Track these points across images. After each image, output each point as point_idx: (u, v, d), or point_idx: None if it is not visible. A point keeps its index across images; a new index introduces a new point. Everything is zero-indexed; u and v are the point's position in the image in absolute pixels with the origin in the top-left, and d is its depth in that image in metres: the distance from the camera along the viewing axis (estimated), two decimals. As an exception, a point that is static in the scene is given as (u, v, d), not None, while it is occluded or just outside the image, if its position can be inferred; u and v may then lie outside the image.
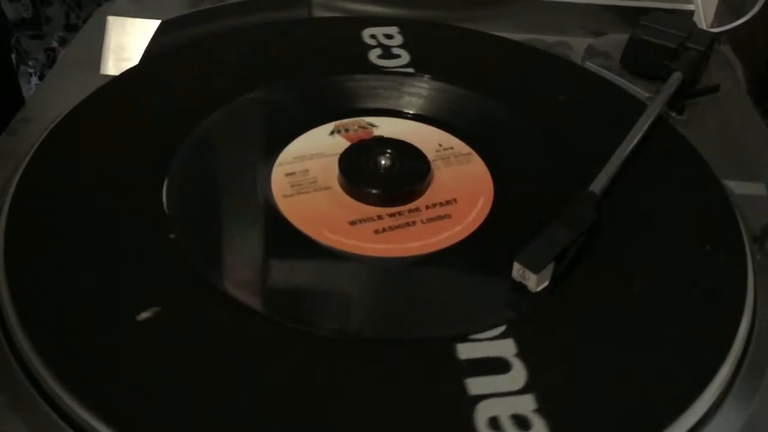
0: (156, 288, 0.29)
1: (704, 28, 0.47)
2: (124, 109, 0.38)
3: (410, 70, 0.41)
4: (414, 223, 0.32)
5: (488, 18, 0.48)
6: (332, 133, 0.37)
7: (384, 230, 0.32)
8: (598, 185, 0.33)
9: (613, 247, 0.32)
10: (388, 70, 0.41)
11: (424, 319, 0.29)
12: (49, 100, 0.41)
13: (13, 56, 0.69)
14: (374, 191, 0.33)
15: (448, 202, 0.33)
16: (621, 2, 0.49)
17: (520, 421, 0.25)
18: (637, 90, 0.42)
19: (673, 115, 0.41)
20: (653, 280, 0.31)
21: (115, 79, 0.40)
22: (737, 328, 0.29)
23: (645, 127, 0.37)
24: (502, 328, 0.28)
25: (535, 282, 0.29)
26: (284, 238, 0.32)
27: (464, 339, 0.27)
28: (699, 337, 0.28)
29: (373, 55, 0.42)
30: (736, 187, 0.36)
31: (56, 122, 0.36)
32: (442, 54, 0.43)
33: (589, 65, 0.44)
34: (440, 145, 0.36)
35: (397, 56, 0.42)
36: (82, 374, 0.26)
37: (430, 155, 0.35)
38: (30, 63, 0.73)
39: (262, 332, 0.28)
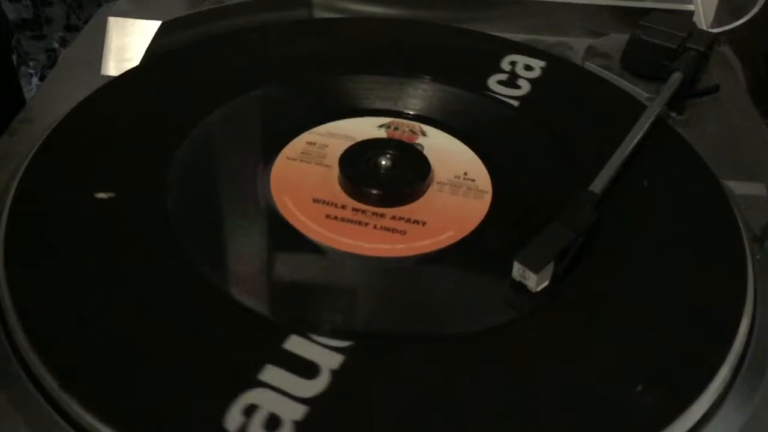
0: (156, 287, 0.29)
1: (704, 28, 0.47)
2: (125, 110, 0.38)
3: (515, 103, 0.40)
4: (367, 224, 0.32)
5: (489, 18, 0.48)
6: (381, 126, 0.38)
7: (335, 218, 0.32)
8: (598, 185, 0.33)
9: (613, 246, 0.32)
10: (497, 96, 0.40)
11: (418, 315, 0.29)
12: (49, 100, 0.41)
13: (14, 57, 0.70)
14: (348, 181, 0.34)
15: (415, 222, 0.33)
16: (621, 3, 0.49)
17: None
18: (637, 90, 0.42)
19: (674, 115, 0.41)
20: (653, 279, 0.31)
21: (115, 79, 0.40)
22: (737, 328, 0.29)
23: (645, 128, 0.37)
24: (345, 343, 0.27)
25: (535, 282, 0.29)
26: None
27: (303, 334, 0.27)
28: (699, 337, 0.29)
29: (493, 80, 0.41)
30: (736, 187, 0.36)
31: (56, 123, 0.36)
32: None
33: (590, 66, 0.44)
34: (465, 173, 0.35)
35: (518, 86, 0.41)
36: (83, 374, 0.26)
37: (446, 178, 0.35)
38: (31, 64, 0.73)
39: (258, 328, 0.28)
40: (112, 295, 0.29)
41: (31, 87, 0.71)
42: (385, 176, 0.34)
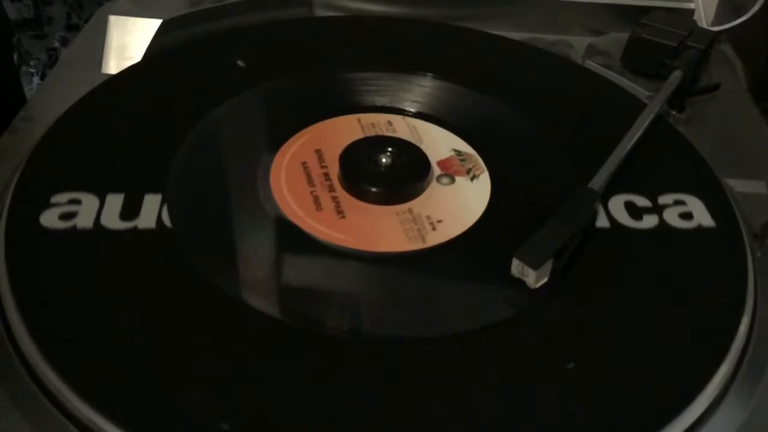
0: (157, 285, 0.29)
1: (705, 26, 0.47)
2: (124, 107, 0.38)
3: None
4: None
5: (488, 17, 0.48)
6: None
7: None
8: (597, 182, 0.33)
9: (613, 244, 0.32)
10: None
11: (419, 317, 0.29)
12: (50, 99, 0.41)
13: (15, 56, 0.70)
14: (347, 179, 0.34)
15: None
16: (621, 1, 0.49)
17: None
18: (638, 89, 0.42)
19: (674, 113, 0.41)
20: (652, 278, 0.31)
21: (114, 77, 0.40)
22: (737, 327, 0.29)
23: (645, 126, 0.37)
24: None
25: (534, 278, 0.29)
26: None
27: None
28: (699, 336, 0.28)
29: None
30: (736, 185, 0.36)
31: (55, 121, 0.36)
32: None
33: (590, 64, 0.44)
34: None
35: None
36: (83, 370, 0.26)
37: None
38: (31, 63, 0.73)
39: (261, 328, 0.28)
40: (111, 291, 0.29)
41: (31, 86, 0.71)
42: (386, 174, 0.34)
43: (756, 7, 0.47)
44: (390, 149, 0.35)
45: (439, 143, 0.37)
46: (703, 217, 0.33)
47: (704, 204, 0.34)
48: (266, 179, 0.34)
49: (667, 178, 0.35)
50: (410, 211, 0.33)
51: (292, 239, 0.32)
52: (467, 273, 0.31)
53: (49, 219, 0.31)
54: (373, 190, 0.33)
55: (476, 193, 0.34)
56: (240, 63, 0.39)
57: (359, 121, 0.38)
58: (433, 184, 0.35)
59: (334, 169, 0.35)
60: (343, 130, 0.37)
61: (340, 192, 0.34)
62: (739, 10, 0.47)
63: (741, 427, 0.27)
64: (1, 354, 0.27)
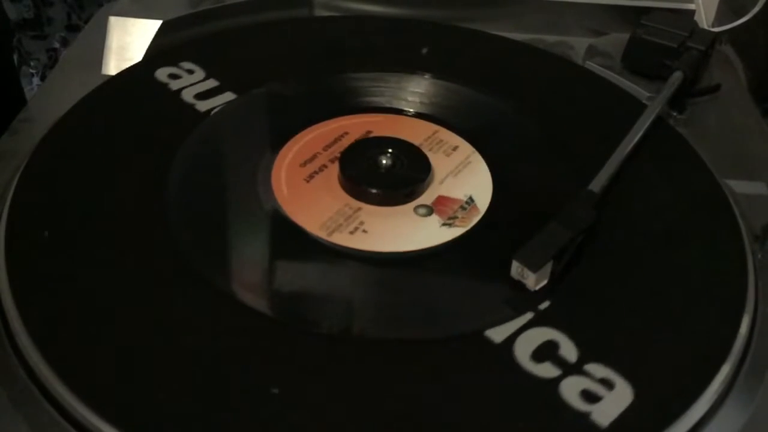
0: (157, 286, 0.29)
1: (705, 27, 0.47)
2: (124, 108, 0.38)
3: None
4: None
5: (489, 18, 0.48)
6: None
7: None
8: (597, 184, 0.33)
9: (612, 246, 0.32)
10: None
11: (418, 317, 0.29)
12: (50, 100, 0.41)
13: (15, 57, 0.70)
14: (347, 180, 0.34)
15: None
16: (622, 2, 0.49)
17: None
18: (638, 90, 0.42)
19: (674, 114, 0.41)
20: (652, 279, 0.31)
21: (114, 77, 0.40)
22: (738, 328, 0.29)
23: (645, 127, 0.37)
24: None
25: (533, 281, 0.29)
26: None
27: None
28: (700, 337, 0.28)
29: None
30: (736, 186, 0.36)
31: (55, 121, 0.36)
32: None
33: (590, 65, 0.44)
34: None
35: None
36: (83, 372, 0.26)
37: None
38: (32, 63, 0.73)
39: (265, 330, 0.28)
40: (112, 293, 0.29)
41: (32, 87, 0.71)
42: (386, 175, 0.34)
43: (756, 8, 0.47)
44: (390, 150, 0.35)
45: (461, 183, 0.35)
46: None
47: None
48: (267, 180, 0.34)
49: (667, 179, 0.35)
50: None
51: (292, 239, 0.32)
52: (466, 275, 0.31)
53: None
54: (373, 191, 0.33)
55: (429, 235, 0.32)
56: (424, 51, 0.39)
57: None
58: (435, 184, 0.35)
59: (334, 170, 0.35)
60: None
61: (340, 192, 0.34)
62: (740, 10, 0.47)
63: (742, 429, 0.27)
64: (1, 356, 0.27)
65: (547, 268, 0.29)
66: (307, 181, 0.34)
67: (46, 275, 0.29)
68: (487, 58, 0.44)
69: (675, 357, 0.28)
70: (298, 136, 0.37)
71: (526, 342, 0.28)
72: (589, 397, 0.26)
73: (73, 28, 0.72)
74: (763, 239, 0.34)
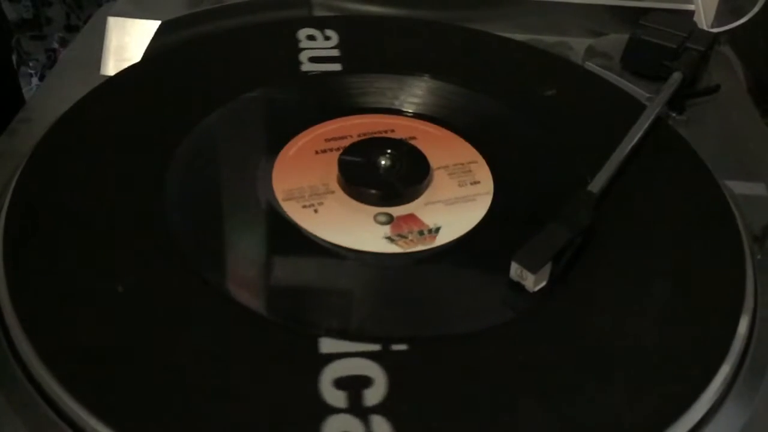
0: (157, 288, 0.29)
1: (704, 28, 0.47)
2: (123, 108, 0.38)
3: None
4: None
5: (488, 18, 0.48)
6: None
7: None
8: (596, 185, 0.33)
9: (612, 247, 0.32)
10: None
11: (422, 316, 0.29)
12: (49, 100, 0.41)
13: (14, 57, 0.70)
14: (347, 181, 0.34)
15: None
16: (621, 2, 0.49)
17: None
18: (638, 90, 0.42)
19: (674, 115, 0.41)
20: (652, 279, 0.31)
21: (113, 77, 0.40)
22: (737, 328, 0.29)
23: (644, 128, 0.37)
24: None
25: (532, 282, 0.29)
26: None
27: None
28: (699, 337, 0.28)
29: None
30: (736, 187, 0.36)
31: (54, 122, 0.36)
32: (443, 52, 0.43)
33: (590, 65, 0.44)
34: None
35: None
36: (81, 374, 0.26)
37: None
38: (30, 64, 0.73)
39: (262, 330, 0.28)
40: (111, 296, 0.29)
41: (30, 87, 0.71)
42: (385, 176, 0.34)
43: (756, 9, 0.47)
44: (389, 151, 0.35)
45: (445, 213, 0.33)
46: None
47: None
48: (267, 181, 0.34)
49: (667, 180, 0.35)
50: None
51: (292, 240, 0.32)
52: (466, 276, 0.31)
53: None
54: (372, 192, 0.33)
55: (362, 239, 0.32)
56: (549, 92, 0.37)
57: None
58: (434, 184, 0.35)
59: (334, 170, 0.35)
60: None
61: (340, 193, 0.34)
62: (739, 11, 0.47)
63: (742, 429, 0.27)
64: (0, 359, 0.27)
65: (546, 269, 0.29)
66: (316, 153, 0.35)
67: (44, 277, 0.29)
68: (486, 58, 0.43)
69: (674, 357, 0.28)
70: (347, 118, 0.37)
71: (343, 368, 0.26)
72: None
73: (72, 29, 0.72)
74: (762, 240, 0.34)
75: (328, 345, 0.27)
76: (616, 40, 0.45)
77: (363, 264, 0.31)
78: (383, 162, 0.35)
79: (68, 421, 0.25)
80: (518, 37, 0.46)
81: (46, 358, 0.26)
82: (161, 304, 0.28)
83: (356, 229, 0.32)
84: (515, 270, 0.29)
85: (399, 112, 0.39)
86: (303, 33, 0.43)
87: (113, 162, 0.35)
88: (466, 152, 0.36)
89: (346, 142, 0.36)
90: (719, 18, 0.48)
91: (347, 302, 0.30)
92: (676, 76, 0.40)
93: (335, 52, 0.42)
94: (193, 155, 0.35)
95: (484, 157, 0.36)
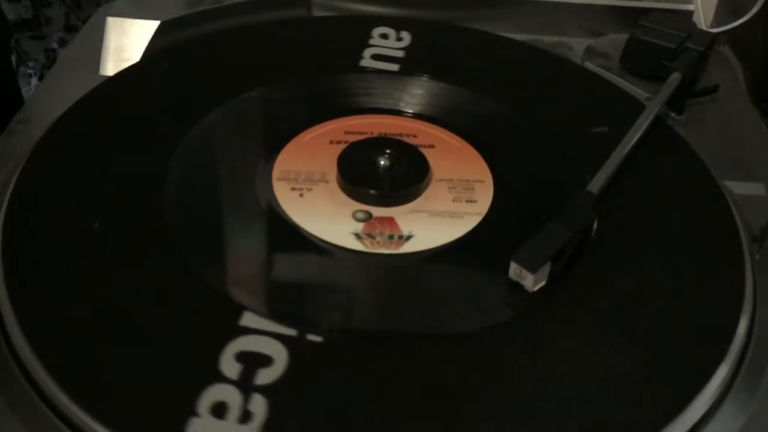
0: (155, 288, 0.29)
1: (704, 28, 0.47)
2: (122, 109, 0.38)
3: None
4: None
5: (488, 18, 0.48)
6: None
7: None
8: (595, 185, 0.33)
9: (611, 246, 0.32)
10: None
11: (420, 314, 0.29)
12: (48, 101, 0.41)
13: (13, 57, 0.69)
14: (346, 181, 0.34)
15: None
16: (620, 3, 0.49)
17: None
18: (637, 90, 0.42)
19: (673, 115, 0.41)
20: (651, 280, 0.31)
21: (112, 78, 0.40)
22: (736, 328, 0.29)
23: (643, 128, 0.37)
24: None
25: (531, 281, 0.29)
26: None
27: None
28: (698, 338, 0.28)
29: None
30: (735, 187, 0.36)
31: (53, 123, 0.36)
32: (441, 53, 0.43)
33: (589, 66, 0.44)
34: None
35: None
36: (80, 375, 0.26)
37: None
38: (30, 64, 0.73)
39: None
40: (109, 296, 0.29)
41: (29, 87, 0.71)
42: (384, 176, 0.34)
43: (755, 9, 0.47)
44: (388, 151, 0.35)
45: (425, 224, 0.33)
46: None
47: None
48: (267, 181, 0.34)
49: (666, 180, 0.35)
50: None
51: (262, 215, 0.32)
52: (465, 276, 0.31)
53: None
54: (372, 192, 0.33)
55: (330, 230, 0.32)
56: (600, 129, 0.36)
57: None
58: (433, 185, 0.34)
59: (333, 171, 0.35)
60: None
61: (333, 184, 0.34)
62: (738, 11, 0.47)
63: (741, 430, 0.27)
64: (-2, 358, 0.27)
65: (546, 269, 0.29)
66: (330, 143, 0.36)
67: (43, 277, 0.29)
68: (485, 58, 0.43)
69: (673, 358, 0.28)
70: (374, 116, 0.38)
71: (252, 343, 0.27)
72: (217, 410, 0.25)
73: (72, 29, 0.72)
74: (760, 240, 0.34)
75: (248, 319, 0.27)
76: (615, 41, 0.45)
77: (314, 251, 0.31)
78: (382, 162, 0.35)
79: (66, 422, 0.25)
80: (518, 37, 0.46)
81: (45, 359, 0.26)
82: (161, 305, 0.28)
83: (331, 220, 0.32)
84: (514, 270, 0.29)
85: (428, 119, 0.38)
86: (378, 31, 0.43)
87: (113, 162, 0.35)
88: (477, 170, 0.35)
89: (362, 138, 0.36)
90: (718, 18, 0.48)
91: (283, 284, 0.30)
92: (675, 77, 0.40)
93: (400, 53, 0.42)
94: (193, 156, 0.35)
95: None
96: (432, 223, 0.33)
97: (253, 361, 0.26)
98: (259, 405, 0.25)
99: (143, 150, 0.35)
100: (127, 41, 0.45)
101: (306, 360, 0.26)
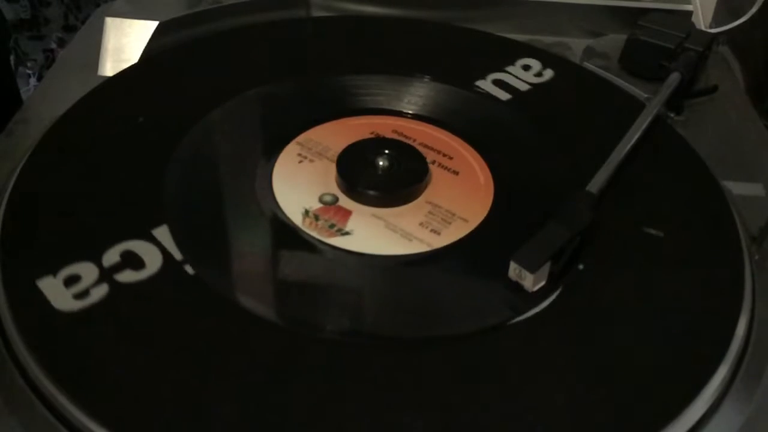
0: (155, 288, 0.29)
1: (702, 28, 0.47)
2: (121, 109, 0.38)
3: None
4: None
5: (488, 19, 0.48)
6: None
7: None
8: (595, 185, 0.33)
9: (611, 247, 0.32)
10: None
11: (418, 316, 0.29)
12: (47, 101, 0.41)
13: (12, 57, 0.69)
14: (345, 182, 0.34)
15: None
16: (619, 3, 0.49)
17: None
18: (636, 90, 0.42)
19: (672, 115, 0.41)
20: (651, 279, 0.31)
21: (111, 78, 0.40)
22: (735, 329, 0.29)
23: (643, 128, 0.37)
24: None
25: (531, 282, 0.29)
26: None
27: None
28: (697, 338, 0.28)
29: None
30: (734, 187, 0.36)
31: (52, 123, 0.36)
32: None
33: (588, 66, 0.44)
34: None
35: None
36: (78, 375, 0.26)
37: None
38: (28, 64, 0.73)
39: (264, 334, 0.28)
40: (110, 296, 0.28)
41: (28, 87, 0.71)
42: (383, 176, 0.34)
43: (754, 9, 0.47)
44: (387, 151, 0.35)
45: (376, 228, 0.32)
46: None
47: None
48: (266, 181, 0.34)
49: (666, 180, 0.35)
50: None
51: (292, 241, 0.32)
52: (465, 276, 0.31)
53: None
54: (371, 192, 0.33)
55: (287, 203, 0.33)
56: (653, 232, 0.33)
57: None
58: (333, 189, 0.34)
59: (332, 171, 0.35)
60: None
61: (361, 206, 0.33)
62: (737, 11, 0.47)
63: (740, 430, 0.27)
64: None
65: (545, 269, 0.29)
66: (370, 133, 0.37)
67: (42, 278, 0.29)
68: (485, 57, 0.43)
69: (673, 357, 0.28)
70: (412, 121, 0.38)
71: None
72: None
73: (70, 29, 0.72)
74: (760, 241, 0.34)
75: (160, 232, 0.31)
76: (614, 41, 0.45)
77: (252, 207, 0.33)
78: (381, 162, 0.35)
79: (63, 421, 0.25)
80: (517, 37, 0.46)
81: (42, 359, 0.26)
82: (160, 304, 0.28)
83: (300, 191, 0.34)
84: (514, 270, 0.29)
85: (472, 143, 0.37)
86: (522, 61, 0.42)
87: (112, 162, 0.34)
88: (474, 208, 0.33)
89: (397, 138, 0.37)
90: (717, 18, 0.48)
91: (208, 223, 0.32)
92: (675, 77, 0.40)
93: (524, 86, 0.41)
94: (192, 156, 0.35)
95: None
96: (379, 233, 0.32)
97: (130, 260, 0.29)
98: (100, 291, 0.28)
99: (143, 150, 0.35)
100: (126, 41, 0.45)
101: (166, 284, 0.29)
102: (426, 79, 0.40)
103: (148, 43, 0.44)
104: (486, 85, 0.41)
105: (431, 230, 0.32)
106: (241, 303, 0.29)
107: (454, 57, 0.43)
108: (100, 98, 0.38)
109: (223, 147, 0.37)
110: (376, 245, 0.31)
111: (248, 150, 0.36)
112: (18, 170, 0.34)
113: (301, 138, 0.36)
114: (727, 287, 0.30)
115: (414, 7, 0.49)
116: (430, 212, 0.33)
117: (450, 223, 0.33)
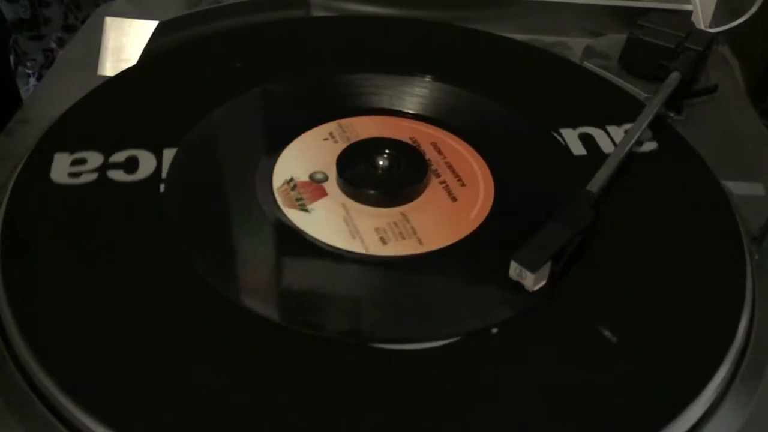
0: (154, 290, 0.29)
1: (702, 28, 0.47)
2: (121, 110, 0.38)
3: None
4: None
5: (488, 18, 0.48)
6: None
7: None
8: (595, 185, 0.33)
9: (611, 246, 0.32)
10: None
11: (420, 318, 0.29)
12: (47, 101, 0.41)
13: (12, 57, 0.69)
14: (345, 182, 0.34)
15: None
16: (619, 3, 0.49)
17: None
18: (636, 90, 0.42)
19: (672, 115, 0.41)
20: (651, 280, 0.31)
21: (111, 79, 0.40)
22: (736, 329, 0.29)
23: (642, 128, 0.37)
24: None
25: (532, 281, 0.29)
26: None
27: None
28: (698, 337, 0.28)
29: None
30: (734, 187, 0.36)
31: (52, 124, 0.36)
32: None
33: (588, 65, 0.44)
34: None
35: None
36: (78, 375, 0.26)
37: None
38: (28, 64, 0.73)
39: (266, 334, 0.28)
40: (108, 295, 0.29)
41: (28, 87, 0.71)
42: (383, 176, 0.34)
43: (754, 9, 0.47)
44: (387, 151, 0.35)
45: (336, 216, 0.32)
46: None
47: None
48: (266, 182, 0.34)
49: (666, 179, 0.35)
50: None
51: (292, 242, 0.32)
52: (465, 276, 0.31)
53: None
54: (370, 192, 0.33)
55: (280, 172, 0.34)
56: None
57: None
58: (432, 185, 0.34)
59: (332, 171, 0.35)
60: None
61: (339, 193, 0.34)
62: (737, 11, 0.47)
63: (740, 430, 0.27)
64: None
65: (546, 268, 0.29)
66: (386, 127, 0.37)
67: (42, 278, 0.29)
68: (485, 57, 0.43)
69: (672, 358, 0.28)
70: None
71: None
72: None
73: (70, 29, 0.72)
74: (760, 240, 0.34)
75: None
76: (614, 41, 0.45)
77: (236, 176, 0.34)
78: (381, 162, 0.35)
79: (64, 421, 0.25)
80: (517, 37, 0.46)
81: (43, 359, 0.26)
82: (160, 304, 0.28)
83: (302, 160, 0.35)
84: (514, 269, 0.29)
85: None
86: None
87: (111, 163, 0.34)
88: (443, 235, 0.32)
89: (423, 144, 0.37)
90: (717, 18, 0.48)
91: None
92: (675, 76, 0.40)
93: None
94: (193, 157, 0.35)
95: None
96: (332, 221, 0.32)
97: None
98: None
99: (142, 150, 0.35)
100: (126, 41, 0.45)
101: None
102: (495, 105, 0.39)
103: (148, 43, 0.44)
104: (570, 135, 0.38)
105: (380, 238, 0.31)
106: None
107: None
108: (99, 99, 0.38)
109: (232, 140, 0.37)
110: (318, 229, 0.32)
111: (256, 152, 0.36)
112: (18, 170, 0.34)
113: (344, 121, 0.37)
114: (727, 287, 0.30)
115: (414, 7, 0.49)
116: (394, 222, 0.32)
117: (404, 239, 0.31)
